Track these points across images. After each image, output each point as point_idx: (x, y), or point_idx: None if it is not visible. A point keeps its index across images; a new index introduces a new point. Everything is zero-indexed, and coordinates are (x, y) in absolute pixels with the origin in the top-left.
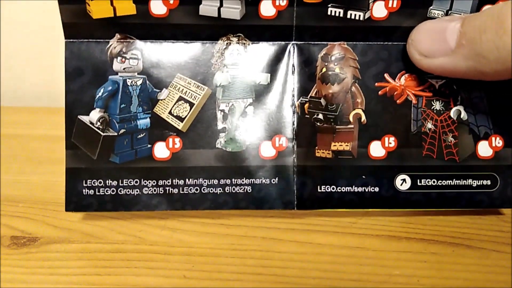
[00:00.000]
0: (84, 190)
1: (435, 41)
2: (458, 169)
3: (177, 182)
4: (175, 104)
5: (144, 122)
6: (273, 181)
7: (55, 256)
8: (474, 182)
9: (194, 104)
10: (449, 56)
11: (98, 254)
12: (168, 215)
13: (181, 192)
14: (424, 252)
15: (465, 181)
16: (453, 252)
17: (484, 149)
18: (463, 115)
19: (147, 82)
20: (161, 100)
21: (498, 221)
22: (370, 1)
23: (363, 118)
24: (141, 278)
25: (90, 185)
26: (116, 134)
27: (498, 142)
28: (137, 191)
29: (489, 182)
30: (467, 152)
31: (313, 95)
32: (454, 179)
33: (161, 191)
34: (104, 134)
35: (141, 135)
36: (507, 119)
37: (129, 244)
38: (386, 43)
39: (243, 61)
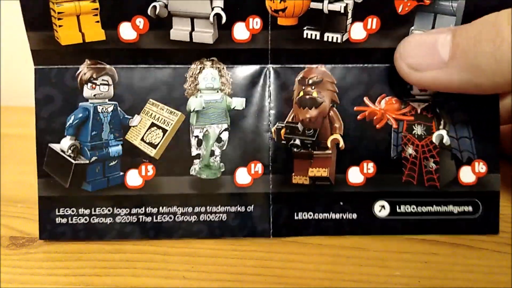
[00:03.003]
0: (57, 219)
1: (426, 54)
2: (439, 195)
3: (150, 210)
4: (147, 130)
5: (116, 149)
6: (249, 209)
7: (54, 256)
8: (455, 209)
9: (167, 130)
10: (442, 69)
11: (97, 255)
12: None
13: (154, 220)
14: (425, 253)
15: (445, 207)
16: (454, 253)
17: (467, 175)
18: (446, 139)
19: (119, 108)
20: (133, 126)
21: (499, 221)
22: (347, 23)
23: (341, 143)
24: (141, 278)
25: (63, 213)
26: (87, 161)
27: (481, 167)
28: (110, 220)
29: (470, 209)
30: (448, 178)
31: (290, 120)
32: (434, 206)
33: (134, 219)
34: (76, 162)
35: (113, 163)
36: (491, 144)
37: (129, 244)
38: (365, 65)
39: (218, 86)
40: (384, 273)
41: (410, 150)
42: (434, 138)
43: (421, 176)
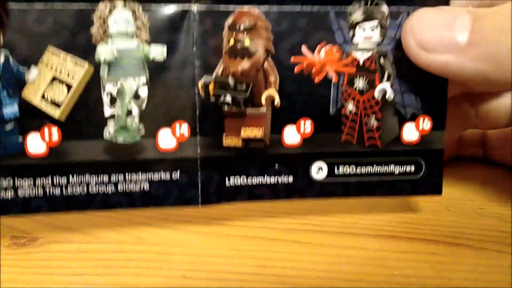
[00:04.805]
0: None
1: (442, 34)
2: (380, 155)
3: (59, 180)
4: (48, 86)
5: (11, 110)
6: (174, 175)
7: (55, 256)
8: (397, 169)
9: (72, 85)
10: (455, 55)
11: (98, 254)
12: (168, 215)
13: (64, 193)
14: (424, 252)
15: (386, 167)
16: (454, 252)
17: (410, 133)
18: (389, 94)
19: (11, 58)
20: (30, 81)
21: (498, 221)
22: None
23: (277, 100)
24: (141, 278)
25: None
26: None
27: (426, 124)
28: (11, 194)
29: (413, 169)
30: (390, 136)
31: (219, 72)
32: (375, 166)
33: (41, 192)
34: None
35: (10, 127)
36: (439, 98)
37: (129, 244)
38: (304, 9)
39: (132, 30)
40: (384, 273)
41: (350, 106)
42: (377, 92)
43: (361, 134)
